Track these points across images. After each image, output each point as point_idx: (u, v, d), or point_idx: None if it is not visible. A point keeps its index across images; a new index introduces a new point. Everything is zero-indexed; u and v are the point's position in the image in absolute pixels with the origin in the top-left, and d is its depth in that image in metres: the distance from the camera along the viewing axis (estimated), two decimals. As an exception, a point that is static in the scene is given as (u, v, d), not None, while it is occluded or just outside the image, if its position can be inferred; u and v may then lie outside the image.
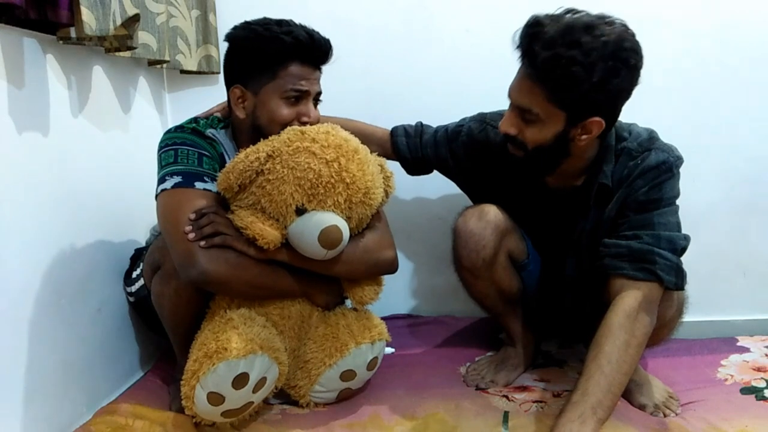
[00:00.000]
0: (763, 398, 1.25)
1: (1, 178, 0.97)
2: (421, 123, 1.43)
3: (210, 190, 1.11)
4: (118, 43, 1.22)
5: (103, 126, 1.30)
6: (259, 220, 1.06)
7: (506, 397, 1.27)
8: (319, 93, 1.20)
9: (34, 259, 1.05)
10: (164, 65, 1.50)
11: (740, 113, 1.60)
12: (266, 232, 1.05)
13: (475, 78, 1.61)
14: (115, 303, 1.31)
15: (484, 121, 1.34)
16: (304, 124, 1.16)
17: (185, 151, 1.12)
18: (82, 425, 1.13)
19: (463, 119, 1.39)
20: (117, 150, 1.35)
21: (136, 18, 1.19)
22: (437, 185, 1.59)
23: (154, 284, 1.15)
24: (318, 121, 1.18)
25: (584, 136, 1.10)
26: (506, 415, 1.18)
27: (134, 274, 1.29)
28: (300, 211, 1.06)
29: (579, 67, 1.00)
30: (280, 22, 1.14)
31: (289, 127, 1.12)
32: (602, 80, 1.01)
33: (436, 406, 1.21)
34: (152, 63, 1.49)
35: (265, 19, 1.16)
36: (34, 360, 1.04)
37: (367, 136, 1.38)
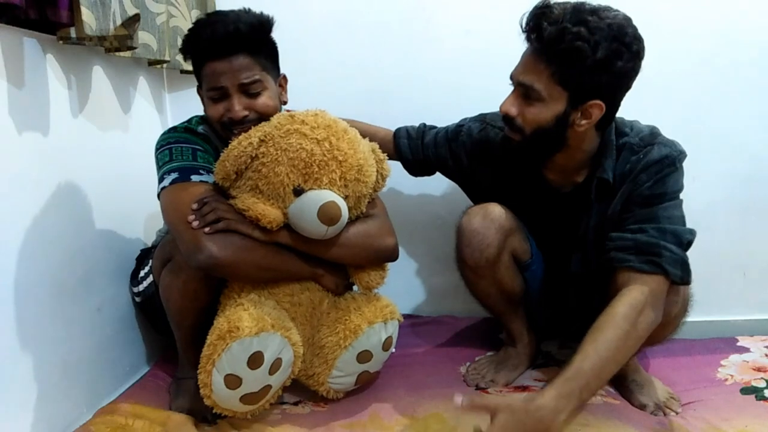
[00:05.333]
0: (763, 398, 1.25)
1: (1, 178, 0.97)
2: (424, 124, 1.43)
3: (207, 182, 1.13)
4: (118, 43, 1.22)
5: (103, 126, 1.30)
6: (260, 201, 1.08)
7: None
8: (250, 83, 1.12)
9: (34, 258, 1.05)
10: (164, 65, 1.50)
11: (740, 113, 1.60)
12: (268, 212, 1.07)
13: (475, 78, 1.60)
14: (116, 303, 1.31)
15: (485, 121, 1.34)
16: (231, 120, 1.13)
17: (179, 149, 1.16)
18: (82, 425, 1.13)
19: (464, 119, 1.39)
20: (117, 150, 1.35)
21: (136, 18, 1.19)
22: (438, 185, 1.59)
23: (163, 276, 1.16)
24: (268, 109, 1.15)
25: (584, 122, 1.10)
26: (506, 415, 1.17)
27: (141, 274, 1.30)
28: (298, 192, 1.08)
29: (584, 43, 1.02)
30: (198, 20, 1.15)
31: (278, 113, 1.15)
32: (606, 59, 1.03)
33: (436, 406, 1.21)
34: (152, 63, 1.49)
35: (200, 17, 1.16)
36: (34, 360, 1.04)
37: (369, 137, 1.38)
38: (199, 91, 1.20)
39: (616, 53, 1.03)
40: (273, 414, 1.19)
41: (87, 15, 1.04)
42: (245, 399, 1.06)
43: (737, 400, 1.24)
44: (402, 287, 1.75)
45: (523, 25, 1.09)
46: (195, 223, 1.05)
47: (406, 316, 1.73)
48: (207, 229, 1.05)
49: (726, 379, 1.34)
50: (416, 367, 1.41)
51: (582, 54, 1.02)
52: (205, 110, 1.18)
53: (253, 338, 1.01)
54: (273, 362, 1.06)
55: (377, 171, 1.20)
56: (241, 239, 1.07)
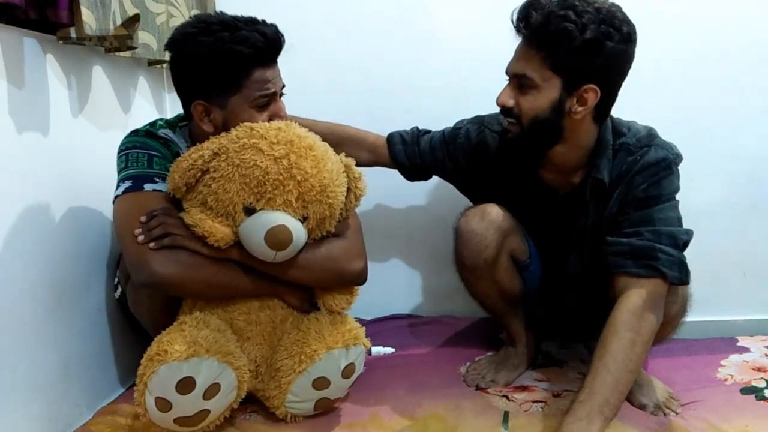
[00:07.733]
0: (763, 398, 1.25)
1: (1, 178, 0.98)
2: (417, 128, 1.42)
3: (161, 191, 1.09)
4: (118, 43, 1.22)
5: (103, 126, 1.30)
6: (209, 218, 1.03)
7: (506, 397, 1.26)
8: (283, 86, 1.15)
9: (34, 258, 1.05)
10: (164, 65, 1.50)
11: (740, 113, 1.60)
12: (216, 230, 1.02)
13: (475, 79, 1.60)
14: (116, 303, 1.31)
15: (482, 124, 1.34)
16: None
17: (135, 155, 1.11)
18: (82, 425, 1.13)
19: (461, 122, 1.38)
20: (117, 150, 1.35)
21: (136, 18, 1.20)
22: (438, 185, 1.59)
23: (129, 292, 1.15)
24: (286, 115, 1.15)
25: (580, 108, 1.10)
26: (506, 415, 1.18)
27: (115, 281, 1.28)
28: (249, 211, 1.02)
29: (571, 24, 1.04)
30: (227, 26, 1.05)
31: (240, 124, 1.07)
32: (595, 40, 1.04)
33: (436, 406, 1.21)
34: (152, 63, 1.49)
35: (204, 23, 1.06)
36: (34, 360, 1.04)
37: (357, 142, 1.38)
38: (198, 105, 1.10)
39: (606, 34, 1.05)
40: (273, 414, 1.19)
41: (87, 15, 1.04)
42: (179, 422, 1.00)
43: (737, 400, 1.24)
44: (402, 287, 1.75)
45: (514, 20, 1.11)
46: (140, 238, 1.00)
47: (406, 316, 1.73)
48: (152, 245, 1.00)
49: (726, 379, 1.34)
50: (416, 367, 1.41)
51: (570, 35, 1.04)
52: (233, 123, 1.08)
53: (182, 363, 0.95)
54: (208, 387, 0.99)
55: (350, 190, 1.13)
56: (188, 256, 1.02)
